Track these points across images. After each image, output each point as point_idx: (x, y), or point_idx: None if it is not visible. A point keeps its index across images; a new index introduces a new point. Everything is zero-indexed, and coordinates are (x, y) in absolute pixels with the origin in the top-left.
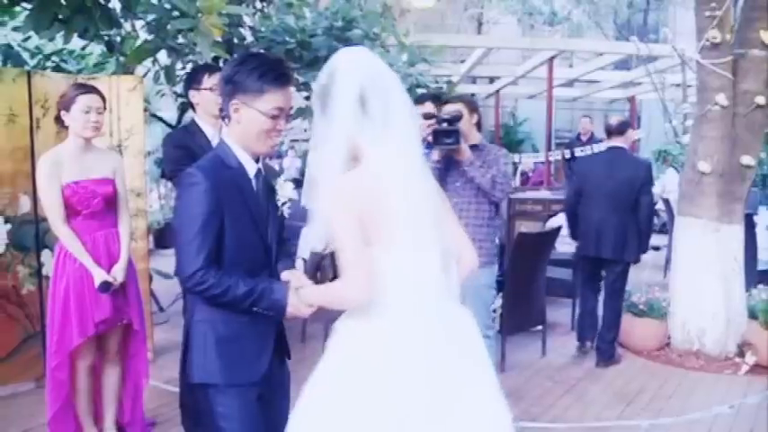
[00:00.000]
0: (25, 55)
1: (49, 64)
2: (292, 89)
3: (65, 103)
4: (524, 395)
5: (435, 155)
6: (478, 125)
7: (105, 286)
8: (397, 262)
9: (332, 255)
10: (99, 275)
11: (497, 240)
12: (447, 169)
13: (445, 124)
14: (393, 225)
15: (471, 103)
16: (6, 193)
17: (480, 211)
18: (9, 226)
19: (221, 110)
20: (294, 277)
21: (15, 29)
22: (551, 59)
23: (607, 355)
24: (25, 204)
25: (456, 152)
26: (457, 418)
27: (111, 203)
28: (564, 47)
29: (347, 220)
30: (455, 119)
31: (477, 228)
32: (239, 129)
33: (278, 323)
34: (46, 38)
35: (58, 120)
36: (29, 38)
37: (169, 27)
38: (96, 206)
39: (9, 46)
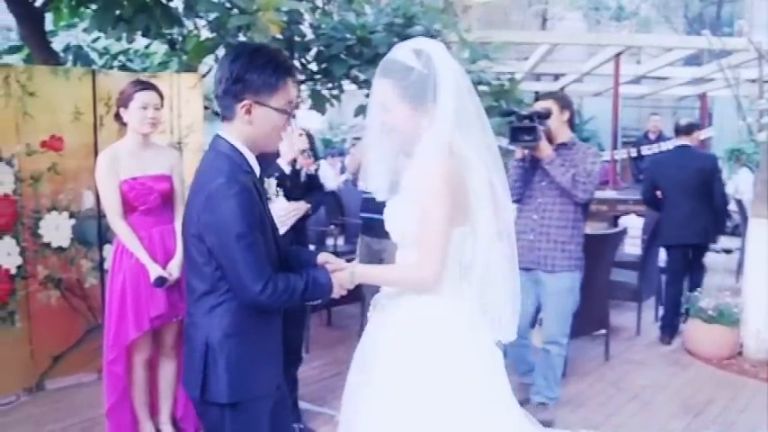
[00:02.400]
0: (94, 55)
1: (115, 63)
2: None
3: (123, 100)
4: (585, 402)
5: (518, 153)
6: (570, 122)
7: (161, 281)
8: (467, 244)
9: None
10: (154, 270)
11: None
12: (533, 167)
13: (527, 121)
14: (471, 210)
15: (563, 100)
16: (71, 188)
17: (564, 212)
18: (73, 221)
19: (224, 110)
20: (329, 258)
21: (85, 30)
22: (618, 56)
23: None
24: (88, 200)
25: (535, 150)
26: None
27: (167, 200)
28: (631, 42)
29: (445, 203)
30: (540, 116)
31: (560, 229)
32: (249, 129)
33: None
34: (112, 37)
35: (117, 117)
36: (98, 39)
37: (229, 24)
38: (153, 202)
39: (79, 47)
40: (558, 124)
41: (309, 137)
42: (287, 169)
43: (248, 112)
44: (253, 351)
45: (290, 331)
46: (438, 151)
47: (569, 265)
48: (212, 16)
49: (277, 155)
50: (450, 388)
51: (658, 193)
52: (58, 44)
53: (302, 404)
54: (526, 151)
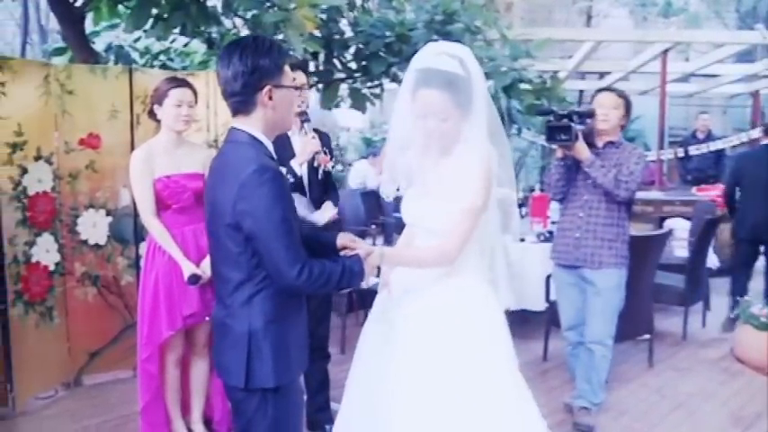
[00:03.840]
0: (135, 55)
1: (155, 63)
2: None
3: (157, 97)
4: (627, 410)
5: (558, 152)
6: (624, 123)
7: (194, 279)
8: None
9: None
10: (188, 268)
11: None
12: (576, 165)
13: (565, 120)
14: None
15: (627, 99)
16: (108, 186)
17: (610, 210)
18: (110, 218)
19: (242, 105)
20: (350, 240)
21: (125, 30)
22: (665, 53)
23: None
24: (125, 198)
25: (571, 150)
26: None
27: (200, 198)
28: (679, 38)
29: (485, 197)
30: (582, 114)
31: (606, 227)
32: (271, 114)
33: None
34: (152, 36)
35: (151, 113)
36: (139, 39)
37: (263, 21)
38: (186, 201)
39: (120, 46)
40: (615, 122)
41: (323, 135)
42: (298, 170)
43: (270, 97)
44: (290, 335)
45: (315, 325)
46: (481, 151)
47: (616, 263)
48: (251, 14)
49: (291, 155)
50: (481, 363)
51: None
52: (100, 44)
53: (334, 405)
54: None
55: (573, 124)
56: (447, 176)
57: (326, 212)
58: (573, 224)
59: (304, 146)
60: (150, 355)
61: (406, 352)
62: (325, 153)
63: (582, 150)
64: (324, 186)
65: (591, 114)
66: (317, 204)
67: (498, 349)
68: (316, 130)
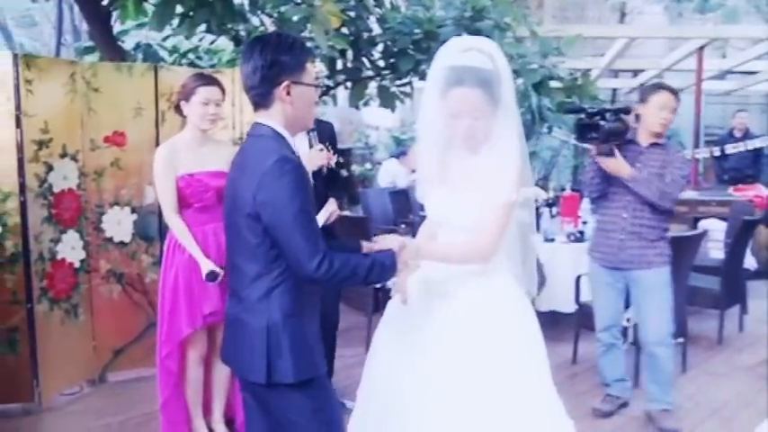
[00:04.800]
0: (163, 53)
1: (184, 61)
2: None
3: (185, 94)
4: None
5: (593, 150)
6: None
7: (213, 276)
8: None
9: None
10: (206, 265)
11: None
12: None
13: (596, 118)
14: None
15: (677, 97)
16: (133, 183)
17: (656, 211)
18: (135, 216)
19: (260, 99)
20: (390, 239)
21: (146, 26)
22: (701, 49)
23: None
24: (150, 195)
25: (610, 167)
26: None
27: (222, 196)
28: (716, 34)
29: (517, 192)
30: (619, 111)
31: (651, 229)
32: (290, 110)
33: None
34: (179, 34)
35: (177, 109)
36: (167, 37)
37: (287, 16)
38: (209, 200)
39: (148, 45)
40: (666, 122)
41: (324, 126)
42: None
43: (288, 93)
44: (309, 330)
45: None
46: (513, 146)
47: (664, 261)
48: (276, 11)
49: None
50: (518, 367)
51: None
52: (129, 43)
53: (349, 403)
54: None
55: (604, 122)
56: (478, 173)
57: (326, 211)
58: (616, 225)
59: (311, 158)
60: (170, 353)
61: (440, 358)
62: (327, 149)
63: (621, 167)
64: (327, 183)
65: (627, 111)
66: (320, 206)
67: (536, 351)
68: (317, 121)
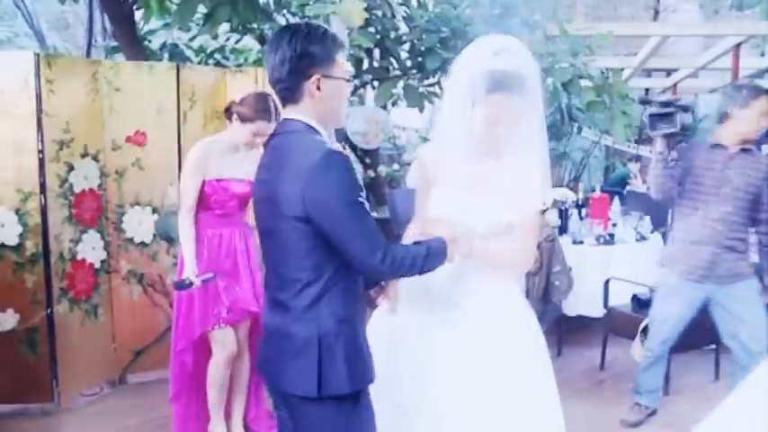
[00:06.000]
0: (189, 53)
1: (210, 61)
2: None
3: (243, 113)
4: (691, 424)
5: (659, 144)
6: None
7: (182, 284)
8: None
9: None
10: (187, 272)
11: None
12: (708, 167)
13: (670, 107)
14: None
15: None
16: (154, 183)
17: (747, 222)
18: (156, 216)
19: (289, 93)
20: (442, 227)
21: (180, 27)
22: (738, 47)
23: None
24: (171, 195)
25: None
26: None
27: (244, 204)
28: (753, 31)
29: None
30: (683, 107)
31: (741, 242)
32: (320, 105)
33: None
34: (204, 33)
35: (227, 111)
36: (194, 38)
37: (307, 12)
38: (230, 209)
39: (175, 45)
40: (761, 130)
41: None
42: None
43: (318, 87)
44: (362, 336)
45: None
46: (543, 151)
47: (751, 272)
48: (298, 9)
49: None
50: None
51: None
52: (156, 43)
53: None
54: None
55: (677, 111)
56: (502, 177)
57: None
58: (710, 238)
59: None
60: (185, 348)
61: (452, 369)
62: (344, 148)
63: None
64: None
65: (686, 109)
66: None
67: (542, 359)
68: None
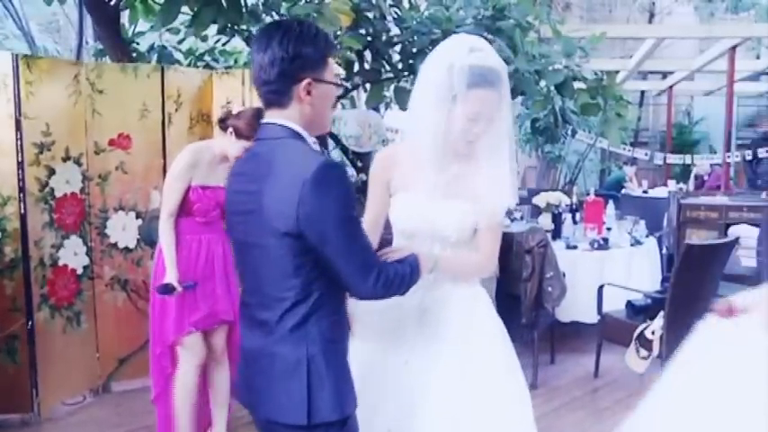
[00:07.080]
0: (178, 55)
1: (199, 63)
2: None
3: (240, 128)
4: None
5: None
6: None
7: (166, 289)
8: None
9: None
10: (169, 277)
11: None
12: None
13: None
14: None
15: None
16: (138, 188)
17: None
18: (140, 221)
19: (276, 97)
20: (404, 249)
21: (169, 30)
22: (733, 49)
23: None
24: (155, 200)
25: None
26: None
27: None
28: (749, 33)
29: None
30: None
31: None
32: (309, 111)
33: None
34: (191, 35)
35: (223, 122)
36: (183, 40)
37: (293, 13)
38: (213, 218)
39: (163, 47)
40: None
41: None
42: None
43: (309, 92)
44: (346, 359)
45: None
46: (510, 154)
47: None
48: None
49: None
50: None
51: None
52: (144, 45)
53: None
54: None
55: None
56: (472, 181)
57: None
58: None
59: None
60: (162, 352)
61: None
62: (323, 153)
63: None
64: None
65: None
66: None
67: (512, 363)
68: None
